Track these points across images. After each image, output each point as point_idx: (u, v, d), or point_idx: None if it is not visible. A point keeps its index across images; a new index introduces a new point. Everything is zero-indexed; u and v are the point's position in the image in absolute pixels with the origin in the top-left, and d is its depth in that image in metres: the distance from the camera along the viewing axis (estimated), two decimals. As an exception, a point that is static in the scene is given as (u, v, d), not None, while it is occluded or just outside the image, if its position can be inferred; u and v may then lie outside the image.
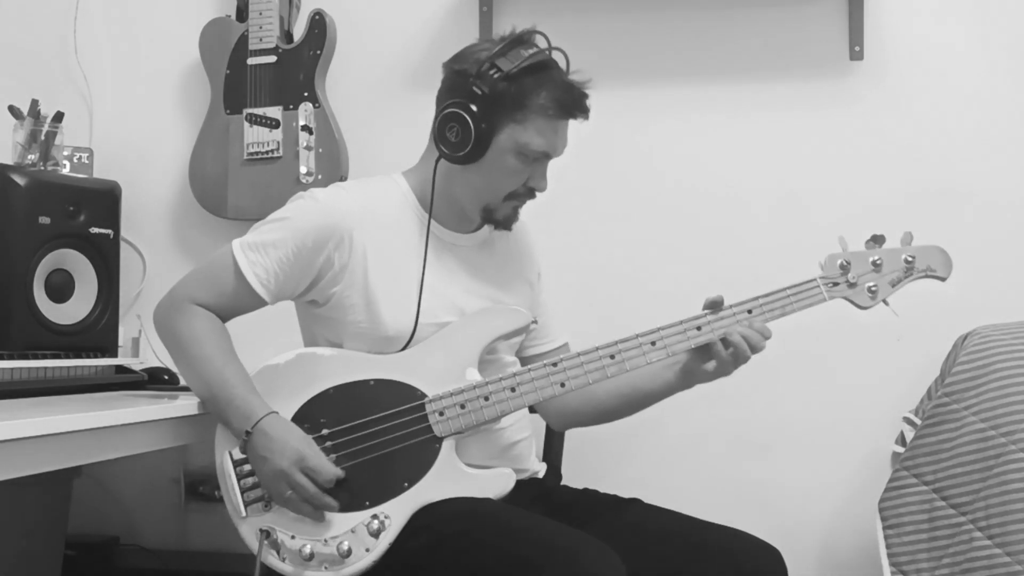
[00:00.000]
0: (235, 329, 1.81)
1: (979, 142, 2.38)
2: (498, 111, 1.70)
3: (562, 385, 1.70)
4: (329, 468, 1.65)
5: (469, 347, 1.74)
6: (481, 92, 1.69)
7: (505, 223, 1.81)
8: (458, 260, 1.82)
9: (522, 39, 1.73)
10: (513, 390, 1.70)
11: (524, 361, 1.90)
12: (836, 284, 1.71)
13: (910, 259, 1.70)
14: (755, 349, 1.68)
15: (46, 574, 2.47)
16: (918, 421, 2.15)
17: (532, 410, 1.92)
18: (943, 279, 1.72)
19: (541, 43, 1.74)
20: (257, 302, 1.77)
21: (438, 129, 1.73)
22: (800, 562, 1.84)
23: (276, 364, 1.76)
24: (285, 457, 1.64)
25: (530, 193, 1.79)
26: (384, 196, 1.81)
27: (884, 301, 1.71)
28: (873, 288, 1.70)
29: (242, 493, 1.70)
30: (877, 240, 1.72)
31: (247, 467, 1.70)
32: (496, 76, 1.69)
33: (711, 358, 1.71)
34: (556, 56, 1.75)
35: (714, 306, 1.71)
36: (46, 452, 1.56)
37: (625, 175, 2.52)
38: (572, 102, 1.73)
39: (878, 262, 1.71)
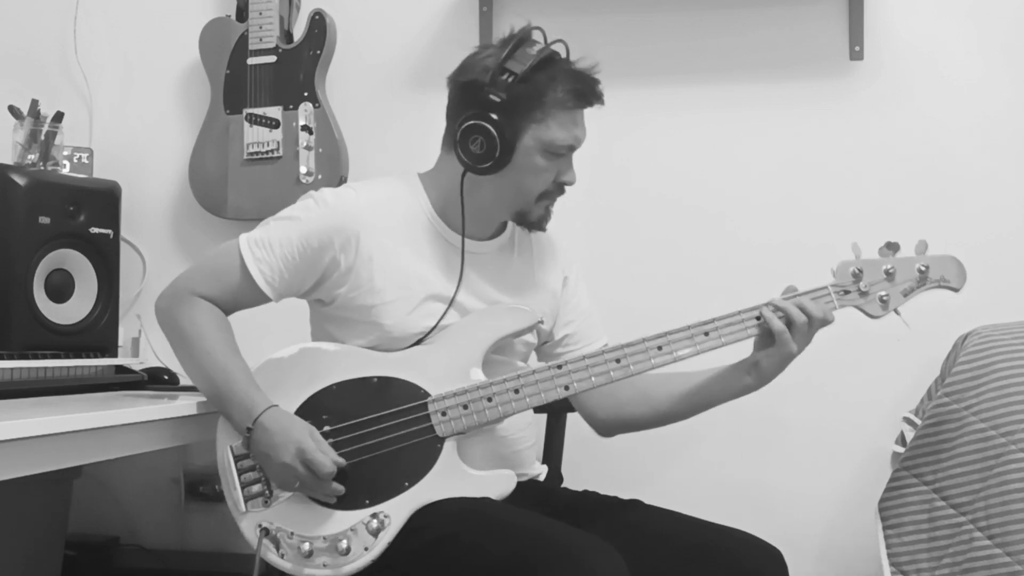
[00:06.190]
0: (238, 322, 1.80)
1: (979, 142, 2.38)
2: (518, 114, 1.69)
3: (566, 388, 1.69)
4: (326, 461, 1.63)
5: (473, 347, 1.73)
6: (499, 99, 1.68)
7: (539, 223, 1.80)
8: (471, 266, 1.79)
9: (524, 38, 1.72)
10: (517, 391, 1.69)
11: None
12: (847, 292, 1.69)
13: (923, 268, 1.69)
14: (795, 322, 1.64)
15: (46, 574, 2.47)
16: (918, 421, 2.15)
17: (540, 411, 1.91)
18: (956, 290, 1.70)
19: (539, 39, 1.73)
20: (261, 298, 1.77)
21: (460, 143, 1.70)
22: (801, 562, 1.83)
23: (279, 358, 1.75)
24: (287, 452, 1.63)
25: (560, 189, 1.78)
26: (395, 199, 1.79)
27: (895, 311, 1.69)
28: (885, 297, 1.69)
29: (242, 488, 1.70)
30: (891, 247, 1.70)
31: (248, 462, 1.70)
32: (510, 80, 1.68)
33: (768, 345, 1.68)
34: (558, 48, 1.74)
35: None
36: (46, 452, 1.56)
37: (624, 175, 2.52)
38: (587, 90, 1.72)
39: (891, 271, 1.69)
